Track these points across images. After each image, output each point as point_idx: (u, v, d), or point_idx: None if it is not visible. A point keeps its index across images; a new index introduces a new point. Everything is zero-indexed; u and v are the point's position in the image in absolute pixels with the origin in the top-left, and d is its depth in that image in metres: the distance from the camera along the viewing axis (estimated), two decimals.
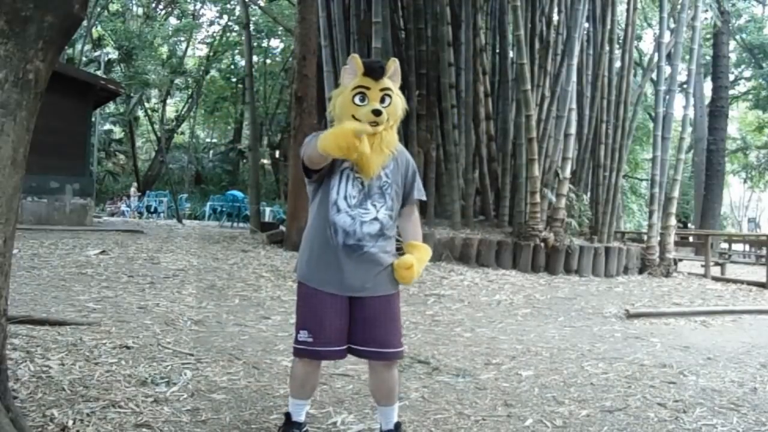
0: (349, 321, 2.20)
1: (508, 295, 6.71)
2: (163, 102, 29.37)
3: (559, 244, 8.75)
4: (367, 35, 10.08)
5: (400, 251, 2.28)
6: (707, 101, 20.66)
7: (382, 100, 2.08)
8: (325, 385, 3.05)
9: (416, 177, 2.31)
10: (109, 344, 3.42)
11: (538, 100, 9.75)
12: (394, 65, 2.14)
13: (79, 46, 24.16)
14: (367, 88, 2.07)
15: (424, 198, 2.35)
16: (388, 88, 2.10)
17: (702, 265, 10.57)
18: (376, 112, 2.02)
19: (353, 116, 2.06)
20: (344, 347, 2.21)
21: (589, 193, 10.62)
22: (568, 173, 9.32)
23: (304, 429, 2.34)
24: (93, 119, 17.64)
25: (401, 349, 2.27)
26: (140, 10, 29.57)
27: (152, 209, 23.34)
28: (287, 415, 2.31)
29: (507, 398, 3.03)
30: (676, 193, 10.22)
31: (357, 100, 2.07)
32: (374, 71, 2.08)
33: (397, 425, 2.33)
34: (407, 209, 2.32)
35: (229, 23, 26.31)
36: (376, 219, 2.16)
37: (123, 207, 23.49)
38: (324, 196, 2.18)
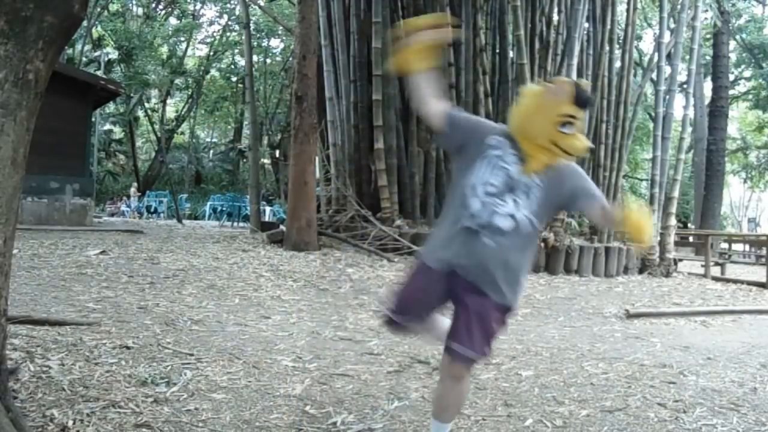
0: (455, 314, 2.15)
1: None
2: (163, 102, 29.37)
3: (559, 244, 8.76)
4: (367, 35, 10.09)
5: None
6: (707, 101, 20.67)
7: None
8: (325, 385, 3.05)
9: (585, 183, 2.15)
10: (109, 344, 3.42)
11: None
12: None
13: (79, 46, 24.15)
14: (575, 118, 2.03)
15: (600, 199, 2.14)
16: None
17: (702, 265, 10.57)
18: (590, 150, 2.05)
19: (554, 143, 2.03)
20: (408, 318, 2.19)
21: None
22: None
23: (404, 325, 2.28)
24: (93, 119, 17.64)
25: (472, 354, 2.05)
26: (140, 10, 29.58)
27: (152, 209, 23.34)
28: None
29: (507, 398, 3.03)
30: (676, 193, 10.23)
31: (564, 128, 2.02)
32: (585, 102, 2.05)
33: None
34: (596, 208, 2.13)
35: (229, 23, 26.34)
36: (512, 216, 2.03)
37: (123, 207, 23.46)
38: (462, 178, 2.12)
